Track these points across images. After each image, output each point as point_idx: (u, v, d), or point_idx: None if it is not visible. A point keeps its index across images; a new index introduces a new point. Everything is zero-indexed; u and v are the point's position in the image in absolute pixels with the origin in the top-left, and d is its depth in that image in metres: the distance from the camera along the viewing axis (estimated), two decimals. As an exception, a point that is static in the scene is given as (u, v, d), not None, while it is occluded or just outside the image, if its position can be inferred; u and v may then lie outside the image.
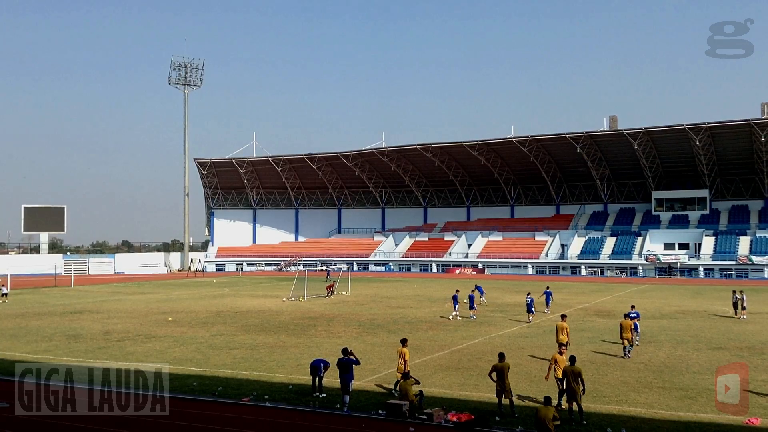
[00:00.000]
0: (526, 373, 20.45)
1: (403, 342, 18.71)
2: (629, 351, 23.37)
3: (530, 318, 34.46)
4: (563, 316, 24.48)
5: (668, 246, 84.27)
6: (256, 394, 17.78)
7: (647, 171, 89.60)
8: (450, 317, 35.46)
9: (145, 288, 62.44)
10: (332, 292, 50.41)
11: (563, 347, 20.07)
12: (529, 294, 36.50)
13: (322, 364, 18.02)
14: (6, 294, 48.77)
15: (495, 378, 16.05)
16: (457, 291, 37.28)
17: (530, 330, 30.96)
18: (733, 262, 77.35)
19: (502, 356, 16.62)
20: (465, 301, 37.04)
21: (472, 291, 38.06)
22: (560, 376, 16.13)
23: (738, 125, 77.36)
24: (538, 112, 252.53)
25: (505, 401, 15.88)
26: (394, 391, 17.83)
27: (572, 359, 16.45)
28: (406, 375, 16.68)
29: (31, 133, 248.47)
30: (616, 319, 34.73)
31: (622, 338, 23.43)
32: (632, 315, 26.50)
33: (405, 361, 17.80)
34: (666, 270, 79.36)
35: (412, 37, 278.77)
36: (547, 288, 41.21)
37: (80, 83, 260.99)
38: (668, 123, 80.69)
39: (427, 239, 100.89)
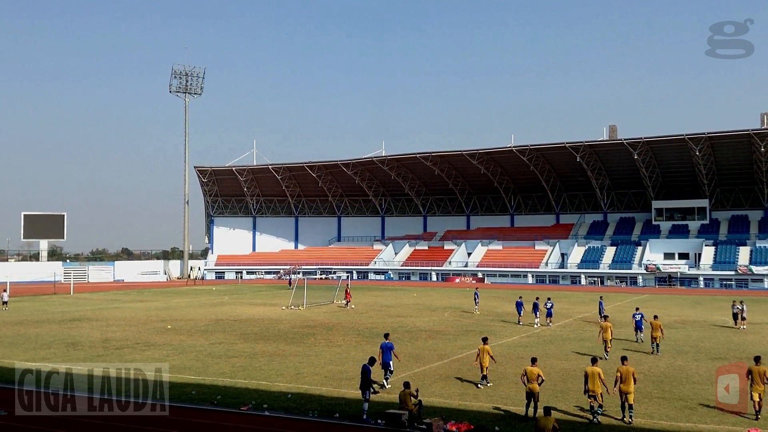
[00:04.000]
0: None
1: (485, 340, 20.69)
2: (657, 348, 26.23)
3: (548, 322, 36.45)
4: (606, 317, 28.19)
5: (668, 256, 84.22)
6: (254, 403, 17.75)
7: (647, 180, 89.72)
8: (535, 325, 36.30)
9: (144, 296, 62.36)
10: (348, 301, 49.24)
11: (608, 346, 25.51)
12: (549, 299, 38.01)
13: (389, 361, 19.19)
14: (6, 302, 48.54)
15: (526, 381, 16.65)
16: (534, 299, 38.61)
17: (530, 339, 30.93)
18: (733, 272, 77.30)
19: (534, 360, 17.42)
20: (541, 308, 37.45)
21: (537, 299, 38.38)
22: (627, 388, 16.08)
23: (737, 135, 77.50)
24: (538, 122, 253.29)
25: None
26: (480, 384, 19.88)
27: (593, 360, 17.09)
28: (406, 384, 16.63)
29: (31, 140, 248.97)
30: (616, 329, 34.77)
31: (652, 337, 26.31)
32: (635, 316, 30.10)
33: (491, 357, 19.99)
34: (666, 280, 79.29)
35: (412, 45, 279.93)
36: (601, 298, 41.89)
37: (81, 90, 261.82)
38: (668, 132, 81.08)
39: (426, 248, 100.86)
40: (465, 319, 40.36)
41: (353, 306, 48.59)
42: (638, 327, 30.07)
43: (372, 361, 17.79)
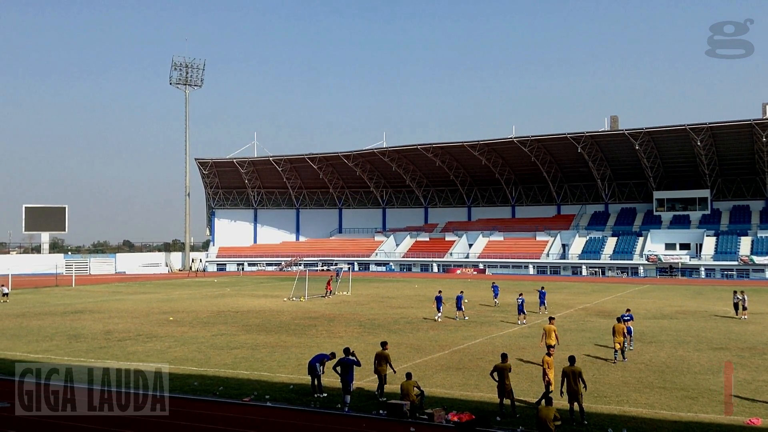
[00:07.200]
0: (527, 373, 20.43)
1: (551, 320, 23.61)
2: (618, 355, 22.50)
3: (541, 310, 37.72)
4: (627, 311, 28.08)
5: (669, 246, 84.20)
6: (257, 394, 17.77)
7: (648, 171, 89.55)
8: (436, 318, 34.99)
9: (146, 288, 62.46)
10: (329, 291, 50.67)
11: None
12: (542, 287, 40.11)
13: (317, 363, 17.94)
14: (7, 294, 48.69)
15: (497, 378, 16.04)
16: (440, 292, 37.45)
17: (531, 330, 30.93)
18: (735, 263, 77.25)
19: (504, 357, 16.65)
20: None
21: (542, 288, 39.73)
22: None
23: (739, 125, 77.25)
24: (539, 113, 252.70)
25: (507, 401, 15.85)
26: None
27: (571, 359, 16.25)
28: (409, 375, 16.65)
29: (32, 133, 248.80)
30: (610, 319, 34.83)
31: (614, 342, 22.55)
32: (626, 318, 25.55)
33: (556, 336, 22.35)
34: (667, 270, 79.27)
35: (413, 36, 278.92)
36: (627, 310, 42.52)
37: (81, 83, 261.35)
38: (669, 123, 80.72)
39: (428, 239, 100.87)
40: (466, 310, 40.33)
41: (346, 294, 50.90)
42: (627, 330, 29.78)
43: (347, 350, 17.51)
